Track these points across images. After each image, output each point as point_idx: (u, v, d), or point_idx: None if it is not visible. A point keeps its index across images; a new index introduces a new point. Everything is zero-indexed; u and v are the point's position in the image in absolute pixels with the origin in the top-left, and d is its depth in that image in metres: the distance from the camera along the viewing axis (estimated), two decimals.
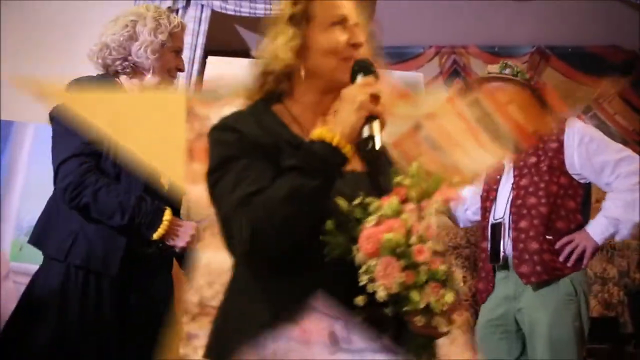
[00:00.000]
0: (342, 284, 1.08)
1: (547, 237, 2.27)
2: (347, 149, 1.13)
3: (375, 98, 1.15)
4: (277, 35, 1.25)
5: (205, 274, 1.37)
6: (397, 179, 1.14)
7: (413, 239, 1.07)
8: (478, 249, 2.75)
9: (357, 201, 1.11)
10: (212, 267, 1.38)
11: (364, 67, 1.20)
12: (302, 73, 1.24)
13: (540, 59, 4.64)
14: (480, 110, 1.77)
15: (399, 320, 1.10)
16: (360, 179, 1.22)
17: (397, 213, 1.09)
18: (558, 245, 2.27)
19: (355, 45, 1.23)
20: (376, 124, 1.14)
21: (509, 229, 2.33)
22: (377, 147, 1.13)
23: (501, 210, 2.39)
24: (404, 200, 1.11)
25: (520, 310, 2.33)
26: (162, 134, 1.57)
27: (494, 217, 2.43)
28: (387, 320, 1.09)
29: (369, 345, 1.05)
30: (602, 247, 4.15)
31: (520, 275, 2.32)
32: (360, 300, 1.07)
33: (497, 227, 2.39)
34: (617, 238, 2.31)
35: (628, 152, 2.31)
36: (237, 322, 1.17)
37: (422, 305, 1.05)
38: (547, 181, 2.31)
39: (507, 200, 2.38)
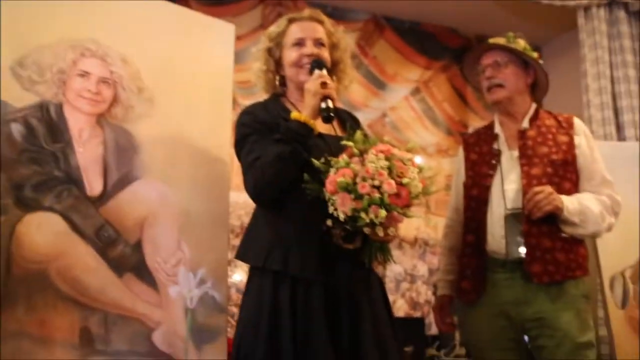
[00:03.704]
0: (319, 212, 1.81)
1: (563, 235, 2.30)
2: (312, 123, 1.88)
3: (324, 84, 1.88)
4: (257, 59, 2.16)
5: (243, 207, 2.34)
6: (344, 142, 1.85)
7: (358, 179, 1.76)
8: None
9: (322, 160, 1.84)
10: (248, 202, 2.06)
11: (318, 64, 1.99)
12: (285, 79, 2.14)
13: (375, 29, 4.60)
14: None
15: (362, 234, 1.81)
16: (340, 139, 1.91)
17: (348, 164, 1.79)
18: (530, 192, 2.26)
19: (310, 55, 2.04)
20: (329, 101, 1.88)
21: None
22: (332, 113, 1.88)
23: (512, 199, 2.35)
24: (351, 155, 1.81)
25: (536, 315, 2.27)
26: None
27: (505, 206, 2.34)
28: (353, 233, 1.81)
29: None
30: (418, 242, 4.31)
31: (531, 274, 2.27)
32: (329, 222, 1.81)
33: (515, 217, 2.33)
34: (568, 230, 2.30)
35: (607, 173, 2.43)
36: (253, 237, 1.99)
37: (367, 221, 1.74)
38: (562, 176, 2.35)
39: (518, 190, 2.34)
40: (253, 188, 1.92)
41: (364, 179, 1.75)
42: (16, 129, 2.04)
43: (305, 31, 2.08)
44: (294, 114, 1.90)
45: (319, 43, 2.07)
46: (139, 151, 2.28)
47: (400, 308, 4.17)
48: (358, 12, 4.55)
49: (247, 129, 2.00)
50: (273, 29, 2.14)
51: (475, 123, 4.56)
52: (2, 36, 2.04)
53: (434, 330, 3.79)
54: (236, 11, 4.27)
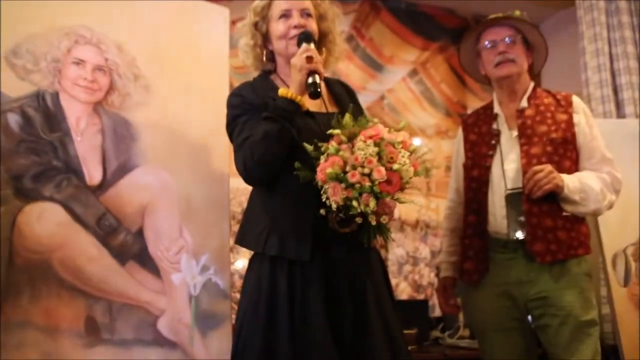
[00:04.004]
0: (313, 194, 1.80)
1: (564, 213, 2.30)
2: (299, 99, 1.86)
3: (309, 59, 1.85)
4: (244, 34, 2.11)
5: (244, 192, 2.13)
6: (330, 131, 1.80)
7: (348, 168, 1.74)
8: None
9: (312, 147, 1.80)
10: (249, 188, 2.07)
11: (305, 36, 1.95)
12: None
13: (371, 10, 4.57)
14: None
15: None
16: (330, 117, 1.87)
17: (337, 151, 1.76)
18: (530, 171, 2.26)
19: (297, 27, 1.99)
20: (316, 76, 1.85)
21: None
22: (319, 89, 1.84)
23: (513, 178, 2.35)
24: (340, 143, 1.78)
25: (540, 294, 2.28)
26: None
27: (505, 186, 2.35)
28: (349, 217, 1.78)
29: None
30: (419, 225, 4.33)
31: (534, 253, 2.28)
32: (322, 211, 1.80)
33: (516, 197, 2.33)
34: (569, 208, 2.31)
35: (607, 151, 2.43)
36: (250, 222, 1.98)
37: (359, 210, 1.74)
38: (562, 155, 2.35)
39: (518, 169, 2.35)
40: (243, 168, 1.90)
41: (353, 167, 1.73)
42: (13, 119, 2.04)
43: (291, 2, 2.03)
44: (281, 91, 1.88)
45: (305, 14, 2.03)
46: (137, 138, 2.28)
47: (403, 291, 4.18)
48: (340, 17, 4.51)
49: (236, 110, 1.98)
50: (257, 2, 2.09)
51: (474, 104, 4.55)
52: None
53: (437, 312, 3.80)
54: None
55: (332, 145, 1.78)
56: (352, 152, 1.75)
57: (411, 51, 4.67)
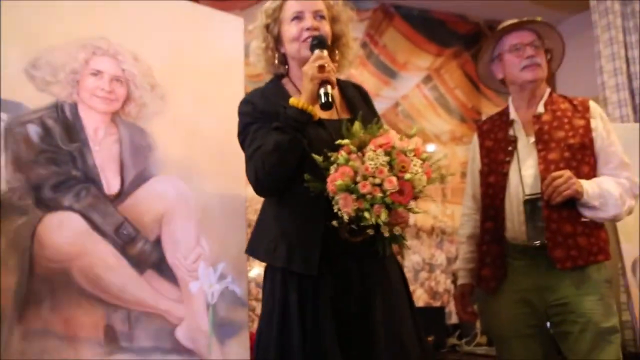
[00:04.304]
0: (323, 205, 1.77)
1: (583, 219, 2.30)
2: (310, 109, 1.81)
3: (322, 68, 1.80)
4: (255, 37, 2.04)
5: (260, 201, 2.02)
6: (339, 141, 1.76)
7: (358, 178, 1.70)
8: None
9: (322, 157, 1.76)
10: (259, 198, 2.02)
11: (319, 42, 1.89)
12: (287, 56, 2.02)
13: (384, 17, 4.60)
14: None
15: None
16: (342, 123, 1.82)
17: (347, 161, 1.72)
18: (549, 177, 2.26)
19: (310, 29, 1.92)
20: (328, 87, 1.79)
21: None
22: (331, 99, 1.79)
23: (530, 184, 2.35)
24: (349, 152, 1.74)
25: (559, 300, 2.28)
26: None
27: (523, 192, 2.35)
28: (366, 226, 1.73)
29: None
30: (435, 232, 4.33)
31: (554, 259, 2.27)
32: (334, 223, 1.75)
33: (534, 203, 2.32)
34: (588, 214, 2.30)
35: (625, 156, 2.43)
36: (260, 232, 1.95)
37: (373, 222, 1.69)
38: (580, 160, 2.35)
39: (536, 175, 2.35)
40: (254, 179, 1.86)
41: (364, 177, 1.69)
42: (33, 130, 2.08)
43: (304, 4, 1.96)
44: (292, 100, 1.82)
45: (318, 16, 1.96)
46: (154, 148, 2.30)
47: (419, 298, 4.18)
48: (366, 0, 4.55)
49: (247, 117, 1.94)
50: (269, 4, 2.02)
51: (488, 109, 4.55)
52: (14, 38, 2.07)
53: (454, 319, 3.80)
54: (244, 4, 4.29)
55: (342, 155, 1.73)
56: (363, 162, 1.71)
57: (425, 57, 4.69)
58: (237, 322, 2.33)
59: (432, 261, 4.31)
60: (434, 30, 4.75)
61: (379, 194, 1.68)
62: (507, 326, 2.40)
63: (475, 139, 2.64)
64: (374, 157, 1.70)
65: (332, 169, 1.74)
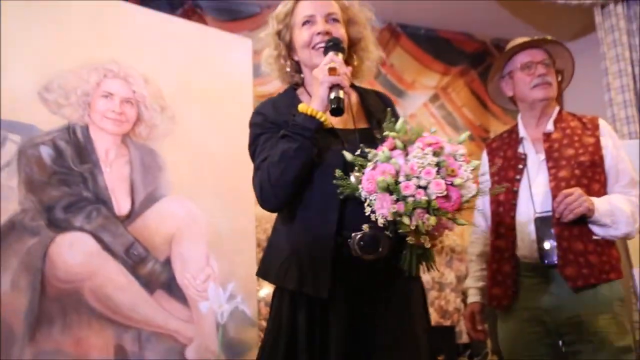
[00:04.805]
0: (333, 220, 1.64)
1: (594, 237, 2.27)
2: (320, 115, 1.67)
3: (333, 70, 1.66)
4: (266, 45, 1.89)
5: (269, 220, 1.90)
6: (386, 132, 1.59)
7: (401, 178, 1.51)
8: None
9: (357, 152, 1.59)
10: (274, 215, 1.91)
11: (333, 44, 1.75)
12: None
13: (391, 37, 4.65)
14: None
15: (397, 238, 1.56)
16: (358, 134, 1.74)
17: (388, 158, 1.54)
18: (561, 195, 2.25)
19: (322, 33, 1.78)
20: (339, 91, 1.65)
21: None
22: (341, 105, 1.64)
23: (541, 202, 2.33)
24: (393, 148, 1.55)
25: (572, 319, 2.25)
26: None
27: (534, 210, 2.34)
28: (387, 239, 1.57)
29: None
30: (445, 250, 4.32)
31: (566, 277, 2.25)
32: (365, 227, 1.57)
33: (545, 221, 2.31)
34: (599, 232, 2.30)
35: (635, 173, 2.43)
36: (270, 253, 1.80)
37: (412, 227, 1.50)
38: (590, 178, 2.34)
39: (546, 193, 2.33)
40: (259, 191, 1.72)
41: (407, 177, 1.50)
42: (45, 152, 2.12)
43: (315, 7, 1.82)
44: (301, 106, 1.69)
45: (331, 19, 1.82)
46: (164, 169, 2.34)
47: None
48: (373, 20, 4.59)
49: (257, 129, 1.82)
50: (280, 9, 1.89)
51: (496, 127, 4.58)
52: (28, 63, 2.12)
53: (464, 338, 3.78)
54: (252, 25, 4.34)
55: (384, 151, 1.55)
56: (407, 161, 1.52)
57: (432, 76, 4.72)
58: (247, 342, 2.34)
59: (442, 280, 4.30)
60: (441, 49, 4.79)
61: (424, 198, 1.49)
62: (519, 345, 2.40)
63: (484, 156, 2.65)
64: (421, 156, 1.51)
65: (369, 165, 1.55)
